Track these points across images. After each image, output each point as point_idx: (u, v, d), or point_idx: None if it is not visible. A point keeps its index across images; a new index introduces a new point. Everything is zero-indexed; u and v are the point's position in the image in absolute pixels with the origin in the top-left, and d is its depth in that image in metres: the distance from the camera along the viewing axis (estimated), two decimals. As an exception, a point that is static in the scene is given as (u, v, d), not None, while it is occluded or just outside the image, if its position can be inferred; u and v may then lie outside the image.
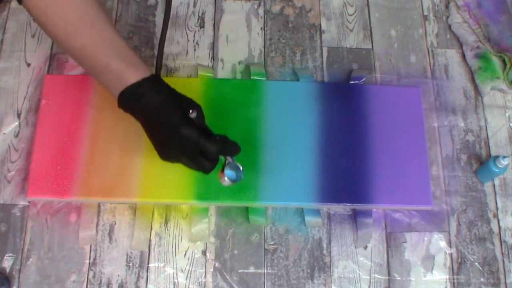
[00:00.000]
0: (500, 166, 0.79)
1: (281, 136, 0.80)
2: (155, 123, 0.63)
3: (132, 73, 0.62)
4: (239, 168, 0.66)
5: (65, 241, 0.76)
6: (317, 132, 0.81)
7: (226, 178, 0.65)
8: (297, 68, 0.88)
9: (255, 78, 0.85)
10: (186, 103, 0.64)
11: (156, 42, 0.88)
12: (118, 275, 0.75)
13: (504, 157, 0.78)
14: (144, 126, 0.65)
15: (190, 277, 0.76)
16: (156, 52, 0.87)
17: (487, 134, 0.87)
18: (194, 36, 0.90)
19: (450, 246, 0.80)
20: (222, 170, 0.66)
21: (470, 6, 0.94)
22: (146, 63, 0.85)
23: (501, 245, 0.81)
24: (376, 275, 0.78)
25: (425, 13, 0.96)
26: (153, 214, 0.78)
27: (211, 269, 0.76)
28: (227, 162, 0.66)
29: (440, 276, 0.79)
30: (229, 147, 0.66)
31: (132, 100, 0.62)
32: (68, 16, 0.62)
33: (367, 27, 0.93)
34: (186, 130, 0.62)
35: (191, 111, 0.62)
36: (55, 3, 0.62)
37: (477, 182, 0.84)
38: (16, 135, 0.80)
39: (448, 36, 0.94)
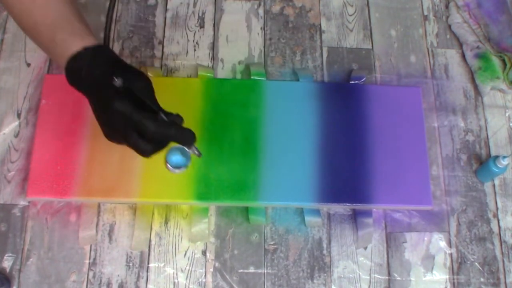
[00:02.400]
0: (500, 166, 0.79)
1: (281, 136, 0.80)
2: (94, 98, 0.57)
3: (75, 43, 0.56)
4: (186, 154, 0.57)
5: (65, 241, 0.76)
6: (317, 132, 0.81)
7: (168, 165, 0.57)
8: (297, 68, 0.88)
9: (255, 78, 0.85)
10: (126, 78, 0.56)
11: (156, 42, 0.88)
12: (118, 275, 0.75)
13: (504, 157, 0.78)
14: (91, 106, 0.58)
15: (190, 277, 0.76)
16: (156, 52, 0.87)
17: (487, 134, 0.87)
18: (194, 36, 0.90)
19: (450, 246, 0.80)
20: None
21: (470, 6, 0.94)
22: (144, 63, 0.86)
23: (501, 245, 0.81)
24: (376, 275, 0.78)
25: (425, 13, 0.95)
26: (153, 214, 0.78)
27: (211, 269, 0.76)
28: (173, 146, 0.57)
29: (440, 276, 0.79)
30: (173, 131, 0.56)
31: (73, 73, 0.56)
32: None
33: (367, 27, 0.93)
34: (119, 104, 0.54)
35: (115, 78, 0.54)
36: None
37: (477, 182, 0.84)
38: (16, 135, 0.80)
39: (448, 36, 0.94)
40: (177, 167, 0.57)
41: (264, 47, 0.90)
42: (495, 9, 0.93)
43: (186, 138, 0.57)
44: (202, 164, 0.77)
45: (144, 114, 0.54)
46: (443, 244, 0.80)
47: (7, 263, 0.74)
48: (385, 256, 0.79)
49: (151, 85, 0.58)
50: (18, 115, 0.82)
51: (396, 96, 0.85)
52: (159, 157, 0.76)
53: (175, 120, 0.57)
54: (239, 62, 0.88)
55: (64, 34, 0.58)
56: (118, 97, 0.54)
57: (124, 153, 0.77)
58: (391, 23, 0.94)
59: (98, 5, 0.90)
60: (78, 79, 0.57)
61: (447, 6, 0.96)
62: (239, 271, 0.77)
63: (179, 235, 0.78)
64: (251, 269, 0.77)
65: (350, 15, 0.94)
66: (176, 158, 0.57)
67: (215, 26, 0.91)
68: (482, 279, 0.79)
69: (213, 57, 0.89)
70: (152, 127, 0.54)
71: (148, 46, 0.88)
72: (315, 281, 0.77)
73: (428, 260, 0.79)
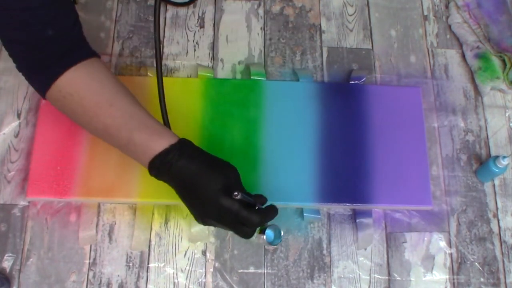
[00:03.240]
0: (500, 166, 0.79)
1: (281, 136, 0.80)
2: (190, 192, 0.61)
3: (156, 142, 0.61)
4: (280, 233, 0.64)
5: (65, 241, 0.76)
6: (317, 132, 0.81)
7: (264, 237, 0.63)
8: (297, 68, 0.88)
9: (255, 78, 0.85)
10: (223, 174, 0.61)
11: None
12: (118, 275, 0.75)
13: (504, 157, 0.78)
14: (178, 193, 0.62)
15: (190, 277, 0.76)
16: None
17: (487, 134, 0.87)
18: (194, 36, 0.90)
19: (450, 246, 0.80)
20: (262, 230, 0.63)
21: (470, 6, 0.94)
22: (145, 63, 0.86)
23: (501, 245, 0.81)
24: (376, 275, 0.78)
25: (425, 13, 0.96)
26: (153, 214, 0.78)
27: (211, 269, 0.76)
28: (268, 223, 0.64)
29: (440, 276, 0.79)
30: (270, 215, 0.63)
31: (163, 169, 0.61)
32: (85, 103, 0.63)
33: (367, 27, 0.93)
34: (226, 202, 0.59)
35: (236, 193, 0.58)
36: (71, 92, 0.62)
37: (477, 182, 0.84)
38: (16, 135, 0.80)
39: (448, 36, 0.94)
40: (270, 242, 0.64)
41: (264, 47, 0.90)
42: (495, 9, 0.93)
43: (275, 215, 0.64)
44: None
45: (249, 210, 0.60)
46: (443, 244, 0.80)
47: (7, 263, 0.74)
48: (385, 256, 0.79)
49: (238, 173, 0.63)
50: (18, 115, 0.82)
51: (396, 96, 0.85)
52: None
53: (262, 201, 0.63)
54: (239, 62, 0.88)
55: (142, 135, 0.62)
56: (224, 197, 0.59)
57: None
58: (391, 23, 0.94)
59: (98, 5, 0.90)
60: (168, 173, 0.61)
61: (447, 6, 0.96)
62: (239, 271, 0.77)
63: (179, 235, 0.78)
64: (251, 269, 0.77)
65: (350, 15, 0.94)
66: (274, 235, 0.64)
67: (215, 26, 0.91)
68: (482, 279, 0.79)
69: (213, 57, 0.89)
70: (257, 219, 0.60)
71: (148, 46, 0.88)
72: (315, 281, 0.77)
73: (428, 260, 0.79)
